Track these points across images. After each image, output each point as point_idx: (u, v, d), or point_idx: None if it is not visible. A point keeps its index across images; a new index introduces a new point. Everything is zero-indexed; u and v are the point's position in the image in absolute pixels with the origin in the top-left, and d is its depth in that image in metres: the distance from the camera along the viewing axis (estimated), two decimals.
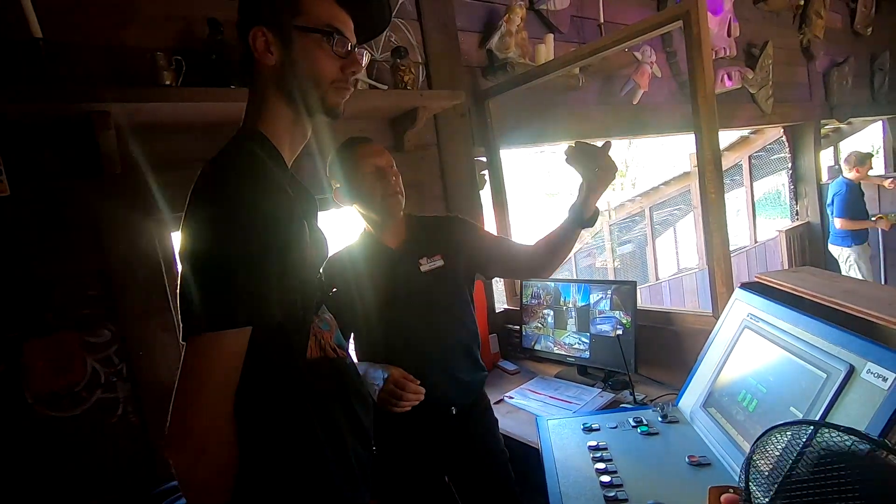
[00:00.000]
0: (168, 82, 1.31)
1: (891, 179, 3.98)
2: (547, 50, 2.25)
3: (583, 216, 1.16)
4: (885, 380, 0.77)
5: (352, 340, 1.34)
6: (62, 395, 1.29)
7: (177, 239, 1.44)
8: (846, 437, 0.54)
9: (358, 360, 1.33)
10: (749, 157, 5.59)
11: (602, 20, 2.55)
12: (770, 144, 5.37)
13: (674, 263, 7.78)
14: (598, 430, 1.22)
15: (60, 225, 1.30)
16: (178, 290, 0.68)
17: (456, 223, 1.39)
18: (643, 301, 5.83)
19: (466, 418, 1.32)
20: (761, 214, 7.02)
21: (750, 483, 0.61)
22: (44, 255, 1.28)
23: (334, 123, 1.50)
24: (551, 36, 2.30)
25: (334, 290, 0.89)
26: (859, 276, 3.85)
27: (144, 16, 1.41)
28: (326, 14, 0.78)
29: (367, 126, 1.83)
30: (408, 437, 1.25)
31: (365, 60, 0.85)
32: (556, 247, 1.23)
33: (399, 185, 1.26)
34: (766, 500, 0.56)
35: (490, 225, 2.19)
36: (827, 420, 0.84)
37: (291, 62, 0.78)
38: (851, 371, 0.84)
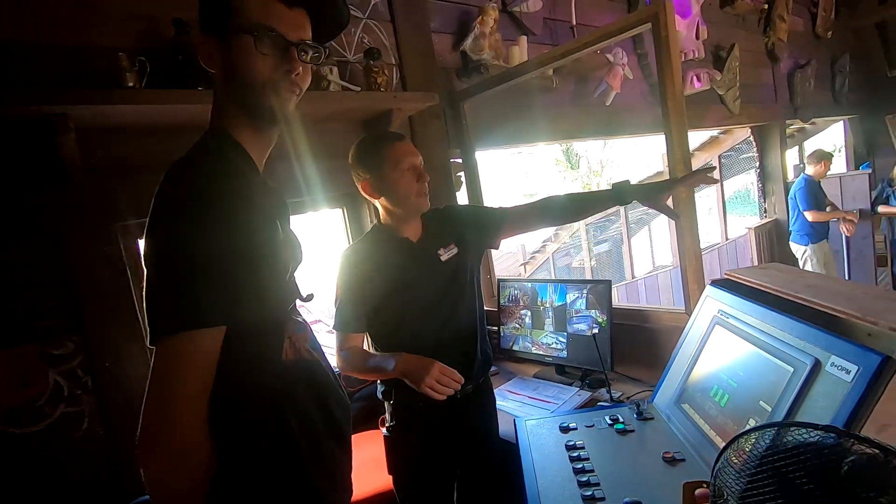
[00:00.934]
0: (131, 84, 1.27)
1: (848, 224, 4.15)
2: (520, 52, 2.27)
3: (627, 199, 1.29)
4: (847, 372, 0.80)
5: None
6: (22, 410, 1.23)
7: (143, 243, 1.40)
8: (812, 433, 0.55)
9: (377, 348, 1.37)
10: (719, 156, 5.74)
11: (574, 23, 2.59)
12: (739, 144, 5.53)
13: (649, 261, 7.93)
14: (575, 429, 1.23)
15: (19, 232, 1.25)
16: (143, 293, 0.66)
17: (460, 210, 1.51)
18: (620, 299, 5.92)
19: (475, 398, 1.39)
20: (732, 212, 7.22)
21: (719, 486, 0.62)
22: (1, 265, 1.22)
23: (309, 127, 1.49)
24: (524, 38, 2.32)
25: (311, 294, 0.88)
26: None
27: (106, 15, 1.37)
28: (259, 11, 0.72)
29: (341, 128, 1.81)
30: (425, 416, 1.30)
31: (321, 58, 0.81)
32: (586, 208, 1.44)
33: (427, 182, 1.31)
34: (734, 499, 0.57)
35: None
36: (794, 413, 0.86)
37: (229, 68, 0.74)
38: (817, 364, 0.86)
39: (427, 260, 1.34)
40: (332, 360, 1.29)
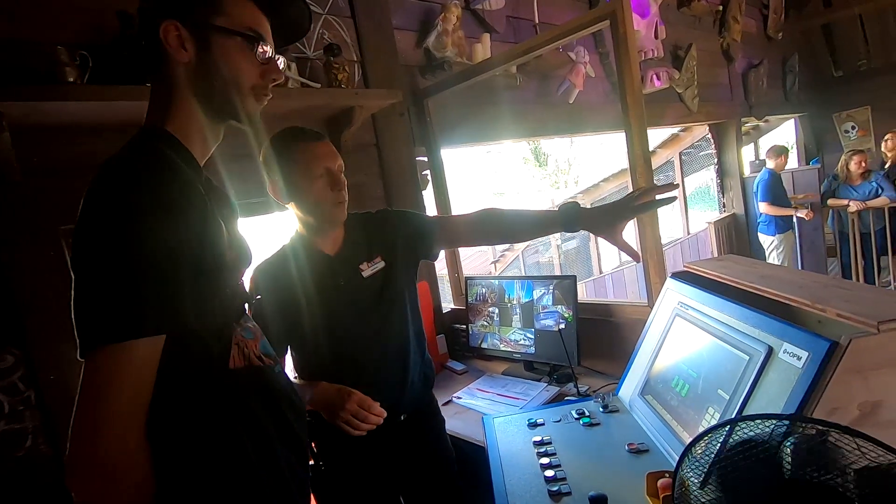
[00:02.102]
0: (72, 79, 1.20)
1: (806, 210, 4.26)
2: (483, 49, 2.27)
3: (575, 227, 1.11)
4: (799, 358, 0.82)
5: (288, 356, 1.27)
6: None
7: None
8: (765, 423, 0.56)
9: (298, 374, 1.26)
10: (680, 153, 5.91)
11: (537, 21, 2.61)
12: (698, 142, 5.71)
13: (616, 257, 8.10)
14: (542, 424, 1.23)
15: None
16: (71, 300, 0.61)
17: (390, 217, 1.32)
18: (588, 295, 6.02)
19: (416, 423, 1.28)
20: (693, 208, 7.45)
21: (683, 477, 0.63)
22: None
23: (268, 125, 1.44)
24: (488, 35, 2.32)
25: (258, 297, 0.84)
26: (780, 262, 4.17)
27: (44, 7, 1.29)
28: (249, 18, 0.75)
29: (302, 126, 1.77)
30: (358, 448, 1.18)
31: (282, 65, 0.82)
32: (529, 229, 1.26)
33: (346, 191, 1.19)
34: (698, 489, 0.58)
35: None
36: (750, 400, 0.88)
37: (209, 63, 0.73)
38: (770, 352, 0.88)
39: (346, 276, 1.20)
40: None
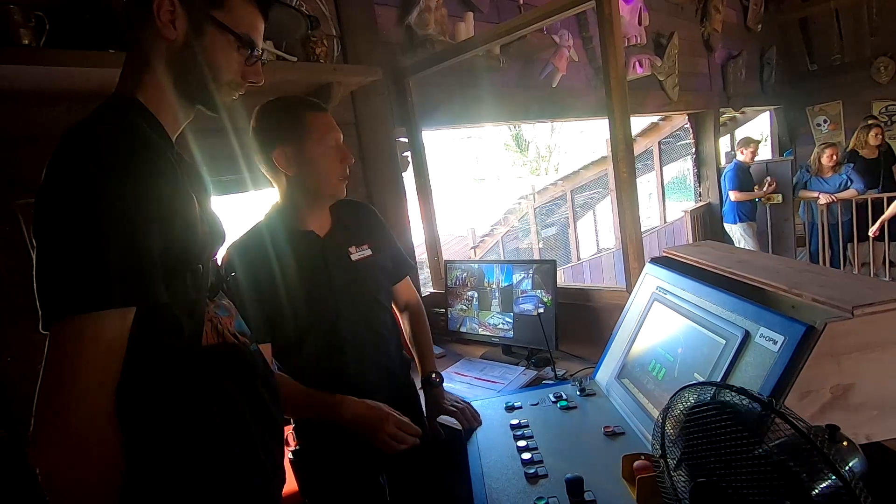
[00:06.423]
0: (26, 42, 1.12)
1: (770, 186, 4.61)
2: (467, 28, 2.22)
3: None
4: (774, 343, 0.83)
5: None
6: None
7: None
8: (740, 398, 0.56)
9: (276, 359, 1.19)
10: (659, 142, 5.96)
11: (521, 1, 2.56)
12: (676, 131, 5.77)
13: (593, 244, 8.20)
14: (520, 408, 1.23)
15: None
16: (34, 271, 0.59)
17: (378, 217, 1.34)
18: (566, 280, 6.08)
19: (396, 406, 1.24)
20: (670, 197, 7.57)
21: (663, 446, 0.63)
22: None
23: (239, 100, 1.37)
24: (471, 14, 2.27)
25: (234, 274, 0.82)
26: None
27: None
28: (249, 22, 0.76)
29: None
30: (337, 431, 1.15)
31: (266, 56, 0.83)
32: (417, 353, 1.38)
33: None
34: (675, 460, 0.58)
35: (414, 209, 2.16)
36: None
37: (196, 49, 0.72)
38: (747, 336, 0.89)
39: (336, 258, 1.18)
40: None
